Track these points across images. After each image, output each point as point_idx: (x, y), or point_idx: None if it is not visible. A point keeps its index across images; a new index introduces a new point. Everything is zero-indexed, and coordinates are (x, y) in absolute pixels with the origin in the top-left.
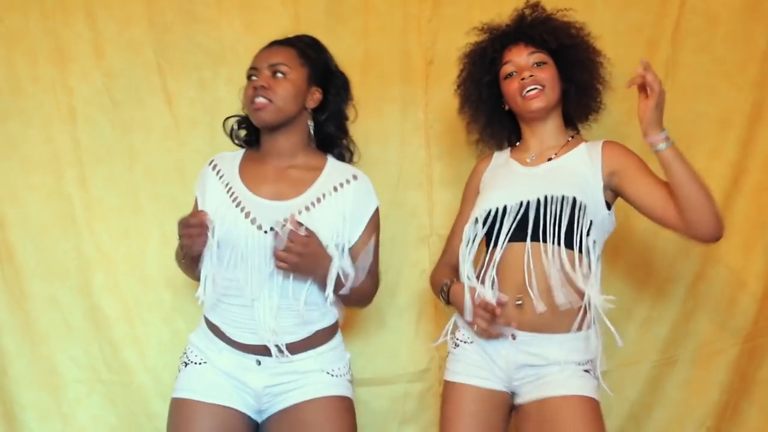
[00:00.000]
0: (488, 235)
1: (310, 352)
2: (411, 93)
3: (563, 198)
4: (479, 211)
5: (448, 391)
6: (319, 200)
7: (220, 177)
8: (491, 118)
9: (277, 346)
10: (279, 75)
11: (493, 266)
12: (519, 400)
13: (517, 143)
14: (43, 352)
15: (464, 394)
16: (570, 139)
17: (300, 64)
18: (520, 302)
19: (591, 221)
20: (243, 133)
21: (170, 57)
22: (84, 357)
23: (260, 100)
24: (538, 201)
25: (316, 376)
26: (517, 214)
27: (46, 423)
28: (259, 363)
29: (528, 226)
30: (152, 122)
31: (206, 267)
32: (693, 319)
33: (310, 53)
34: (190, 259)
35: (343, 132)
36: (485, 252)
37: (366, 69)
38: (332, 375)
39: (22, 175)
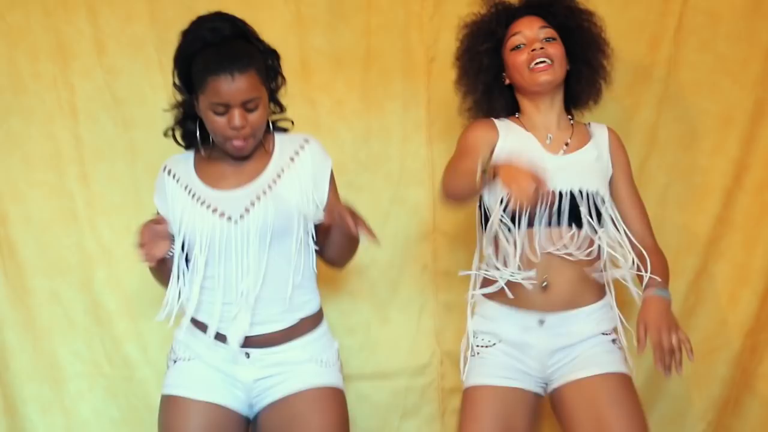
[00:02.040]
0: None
1: (298, 341)
2: (413, 90)
3: (597, 193)
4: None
5: (469, 393)
6: (279, 175)
7: (177, 180)
8: (490, 88)
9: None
10: (252, 109)
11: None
12: (554, 385)
13: (518, 115)
14: (45, 346)
15: (485, 395)
16: (572, 122)
17: (261, 82)
18: (545, 284)
19: (609, 212)
20: (187, 135)
21: (172, 54)
22: (86, 351)
23: (239, 143)
24: (572, 193)
25: (306, 366)
26: (552, 203)
27: (48, 416)
28: (248, 356)
29: (559, 214)
30: (153, 119)
31: (172, 288)
32: (695, 315)
33: (259, 59)
34: (155, 269)
35: (281, 108)
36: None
37: (368, 66)
38: (322, 364)
39: (23, 171)
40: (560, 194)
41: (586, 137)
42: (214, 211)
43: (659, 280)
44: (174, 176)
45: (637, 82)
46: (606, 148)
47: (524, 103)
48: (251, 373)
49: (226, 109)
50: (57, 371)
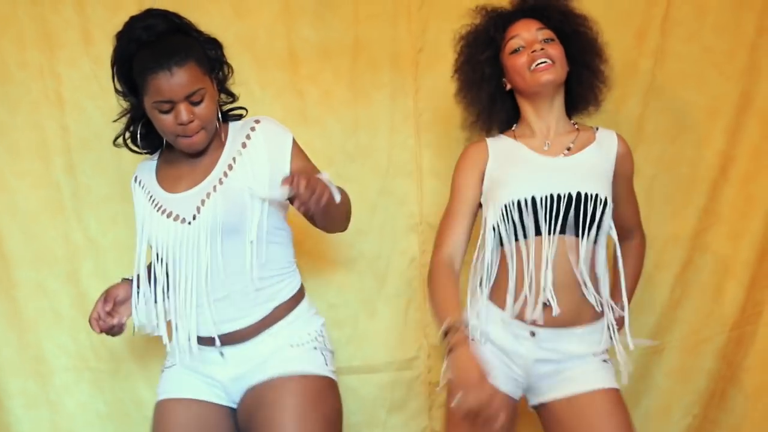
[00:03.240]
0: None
1: (271, 329)
2: (401, 80)
3: (597, 196)
4: (504, 201)
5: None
6: (230, 166)
7: (143, 187)
8: (493, 97)
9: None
10: (197, 101)
11: (527, 261)
12: (542, 399)
13: (514, 126)
14: (31, 339)
15: None
16: (575, 126)
17: (203, 73)
18: (547, 303)
19: (608, 218)
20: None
21: None
22: (72, 344)
23: (191, 138)
24: (570, 196)
25: (278, 354)
26: (551, 207)
27: (34, 410)
28: (222, 354)
29: (557, 221)
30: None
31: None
32: (681, 307)
33: (198, 51)
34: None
35: (233, 97)
36: (498, 247)
37: (355, 56)
38: (293, 346)
39: (9, 161)
40: (559, 197)
41: (589, 140)
42: (169, 215)
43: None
44: (141, 184)
45: (624, 74)
46: (613, 154)
47: (525, 107)
48: (226, 371)
49: (171, 105)
50: (42, 365)
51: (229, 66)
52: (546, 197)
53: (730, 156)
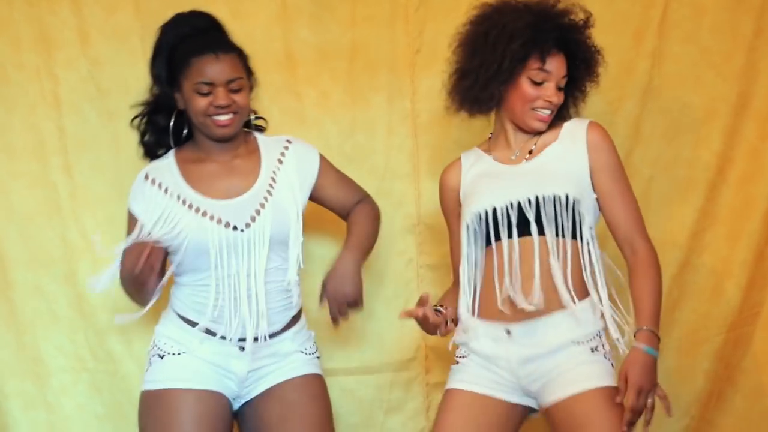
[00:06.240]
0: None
1: (287, 333)
2: (398, 82)
3: (555, 197)
4: (469, 218)
5: (446, 397)
6: (273, 179)
7: (166, 190)
8: (492, 84)
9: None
10: (236, 89)
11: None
12: (542, 402)
13: (490, 135)
14: (28, 340)
15: (462, 400)
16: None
17: (243, 68)
18: (533, 307)
19: (584, 213)
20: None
21: None
22: (69, 345)
23: (225, 117)
24: (529, 201)
25: (293, 356)
26: (509, 215)
27: (31, 412)
28: (242, 349)
29: (521, 224)
30: (138, 110)
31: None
32: (678, 309)
33: (239, 50)
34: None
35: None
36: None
37: (353, 58)
38: (306, 353)
39: (6, 162)
40: (519, 204)
41: (551, 138)
42: (219, 221)
43: (647, 329)
44: (160, 185)
45: (621, 75)
46: (583, 143)
47: (507, 123)
48: (245, 365)
49: (210, 89)
50: (40, 366)
51: (255, 79)
52: (504, 206)
53: (728, 157)
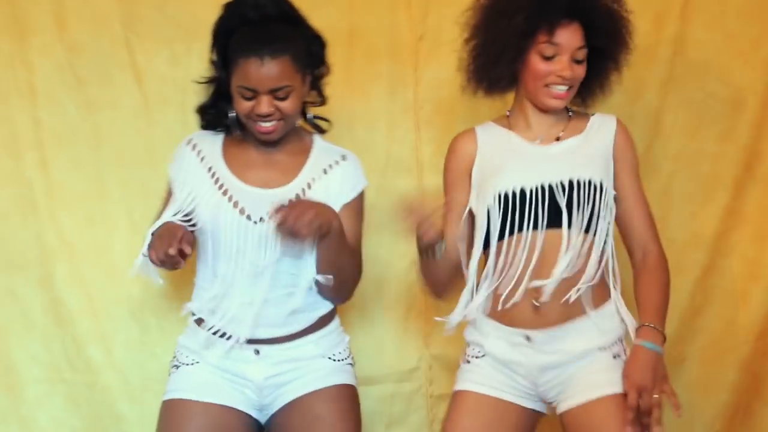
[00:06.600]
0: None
1: (311, 337)
2: (400, 71)
3: (590, 182)
4: (492, 197)
5: (456, 398)
6: (309, 185)
7: (202, 159)
8: (500, 60)
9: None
10: (282, 97)
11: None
12: (559, 408)
13: (508, 112)
14: (0, 349)
15: (477, 402)
16: (571, 114)
17: (296, 70)
18: (538, 304)
19: (611, 206)
20: (218, 118)
21: (139, 30)
22: (45, 354)
23: (268, 125)
24: (562, 185)
25: (318, 363)
26: (542, 200)
27: (4, 426)
28: (257, 352)
29: (550, 212)
30: (120, 101)
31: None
32: (701, 315)
33: (299, 45)
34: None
35: (322, 98)
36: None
37: (351, 45)
38: (334, 360)
39: None
40: (551, 187)
41: (579, 128)
42: (236, 205)
43: (647, 325)
44: (198, 153)
45: (640, 63)
46: (611, 140)
47: (525, 102)
48: (261, 370)
49: (253, 94)
50: (13, 376)
51: (327, 66)
52: (537, 188)
53: (756, 151)
